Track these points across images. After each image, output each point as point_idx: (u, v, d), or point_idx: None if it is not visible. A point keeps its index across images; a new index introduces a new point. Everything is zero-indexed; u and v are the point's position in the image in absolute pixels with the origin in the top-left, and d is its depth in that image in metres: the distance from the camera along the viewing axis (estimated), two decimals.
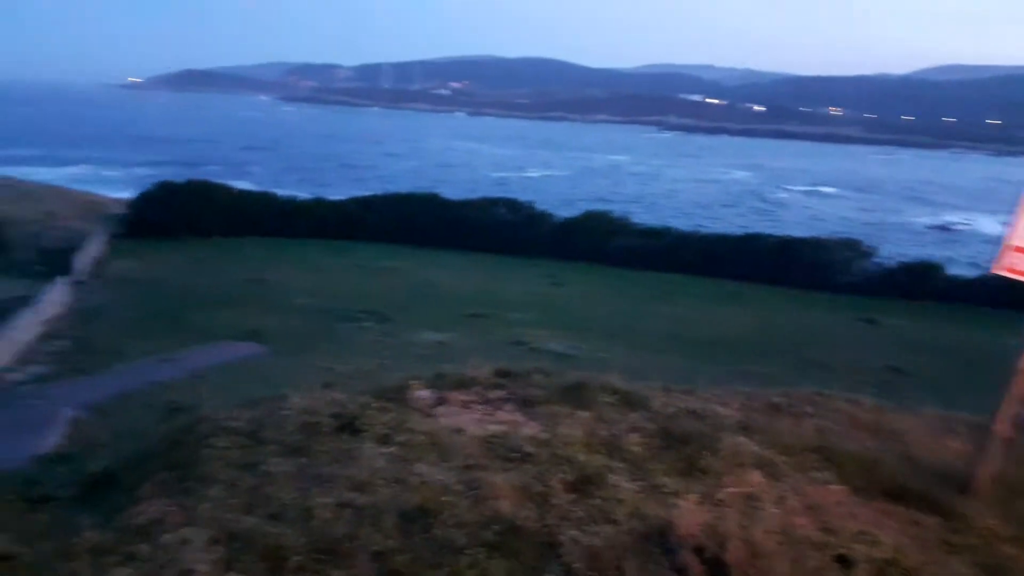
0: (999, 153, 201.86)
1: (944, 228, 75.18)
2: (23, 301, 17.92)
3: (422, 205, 39.90)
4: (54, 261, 25.89)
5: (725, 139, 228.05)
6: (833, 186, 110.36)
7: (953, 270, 37.15)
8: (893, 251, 48.14)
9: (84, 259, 26.47)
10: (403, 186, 51.32)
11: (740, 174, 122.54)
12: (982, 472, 5.73)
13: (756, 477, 5.39)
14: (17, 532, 5.36)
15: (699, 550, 4.44)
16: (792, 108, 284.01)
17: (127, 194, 41.23)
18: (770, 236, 38.27)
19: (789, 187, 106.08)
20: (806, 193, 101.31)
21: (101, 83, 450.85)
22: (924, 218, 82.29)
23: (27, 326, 16.47)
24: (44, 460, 8.59)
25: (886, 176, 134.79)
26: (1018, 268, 5.71)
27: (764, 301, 31.10)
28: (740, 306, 29.56)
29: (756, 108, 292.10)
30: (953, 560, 4.79)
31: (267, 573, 4.38)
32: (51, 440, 9.60)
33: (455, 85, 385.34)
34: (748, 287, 33.80)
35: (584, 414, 7.16)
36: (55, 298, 19.45)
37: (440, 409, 7.38)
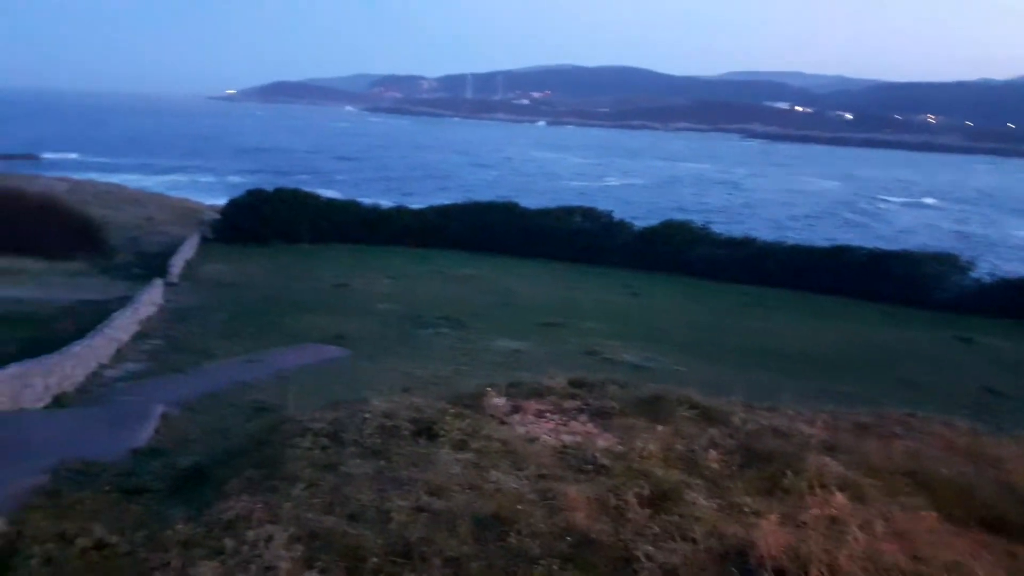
0: None
1: None
2: (122, 301, 18.93)
3: (500, 214, 40.26)
4: (152, 263, 27.31)
5: (813, 148, 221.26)
6: (932, 197, 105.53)
7: None
8: (996, 267, 45.73)
9: (178, 262, 27.76)
10: (484, 195, 51.93)
11: (830, 184, 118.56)
12: None
13: (841, 499, 5.18)
14: (113, 521, 5.64)
15: (780, 572, 4.29)
16: (886, 116, 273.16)
17: (221, 201, 43.08)
18: (860, 248, 36.87)
19: (886, 198, 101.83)
20: (904, 205, 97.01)
21: (199, 95, 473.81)
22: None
23: (125, 325, 17.37)
24: (139, 454, 9.00)
25: (991, 186, 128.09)
26: None
27: (852, 316, 29.98)
28: (827, 321, 28.59)
29: (846, 116, 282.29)
30: None
31: (345, 573, 4.47)
32: (145, 435, 10.05)
33: (536, 95, 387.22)
34: (836, 301, 32.66)
35: (661, 428, 7.05)
36: (151, 299, 20.47)
37: (515, 417, 7.39)
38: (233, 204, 38.54)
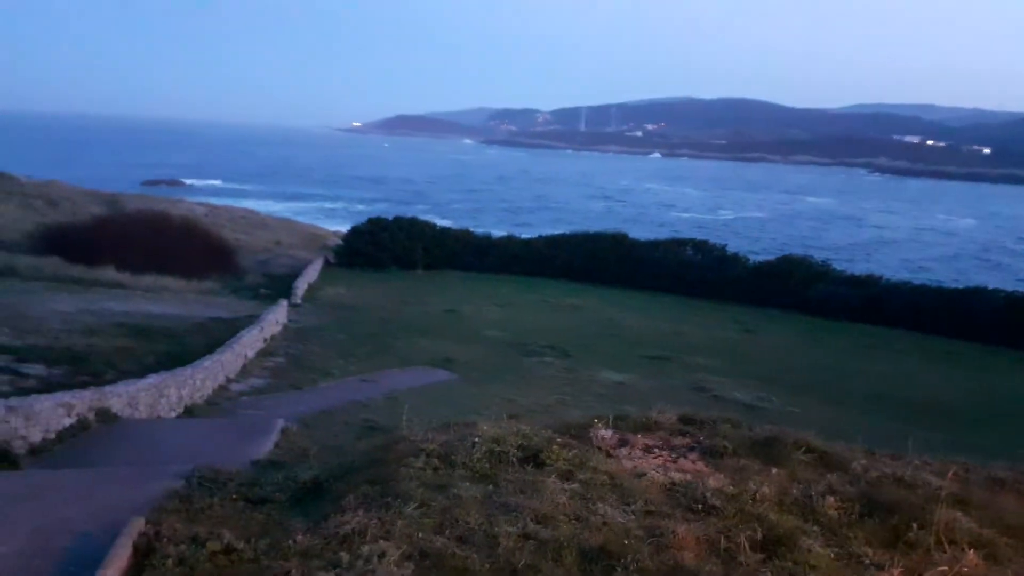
0: None
1: None
2: (249, 320, 20.07)
3: (609, 244, 40.16)
4: (278, 285, 28.83)
5: (946, 184, 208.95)
6: None
7: None
8: None
9: (302, 284, 29.18)
10: (594, 225, 51.92)
11: (965, 222, 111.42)
12: None
13: (973, 557, 4.85)
14: (240, 528, 5.97)
15: None
16: None
17: (344, 227, 45.10)
18: (998, 291, 34.36)
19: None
20: None
21: (328, 127, 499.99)
22: None
23: (251, 342, 18.39)
24: (260, 464, 9.46)
25: None
26: None
27: (984, 363, 27.95)
28: (958, 368, 26.78)
29: (984, 150, 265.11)
30: None
31: None
32: (266, 447, 10.55)
33: (650, 127, 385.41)
34: (966, 346, 30.55)
35: (776, 471, 6.82)
36: (275, 318, 21.60)
37: (622, 451, 7.33)
38: (354, 231, 40.27)
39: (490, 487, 6.11)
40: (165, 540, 5.49)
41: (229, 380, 16.26)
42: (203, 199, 59.90)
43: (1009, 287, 38.41)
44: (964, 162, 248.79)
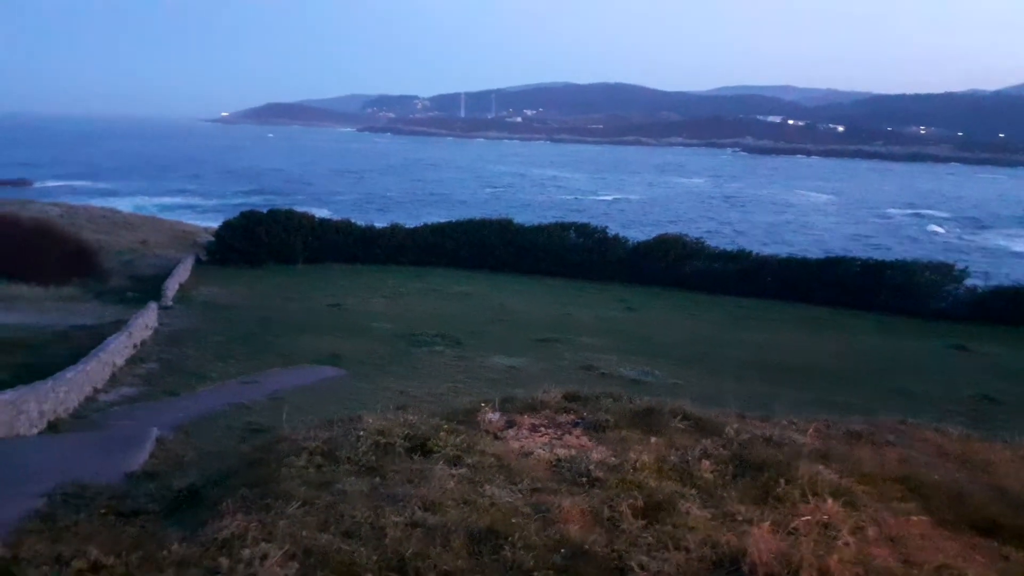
0: None
1: None
2: (116, 325, 18.92)
3: (495, 231, 40.36)
4: (146, 287, 27.30)
5: (804, 160, 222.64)
6: (930, 208, 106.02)
7: None
8: (990, 274, 45.92)
9: (172, 285, 27.76)
10: (478, 213, 52.04)
11: (822, 197, 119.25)
12: None
13: (833, 506, 5.20)
14: (109, 543, 5.63)
15: None
16: (877, 128, 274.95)
17: (216, 223, 43.16)
18: (855, 259, 37.05)
19: (886, 210, 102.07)
20: (908, 216, 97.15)
21: (193, 118, 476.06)
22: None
23: (119, 349, 17.36)
24: (134, 477, 8.98)
25: (986, 195, 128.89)
26: None
27: (848, 327, 30.08)
28: (823, 332, 28.68)
29: (838, 128, 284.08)
30: None
31: None
32: (140, 458, 10.04)
33: (529, 112, 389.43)
34: (830, 312, 32.77)
35: (655, 440, 7.07)
36: (145, 322, 20.46)
37: (509, 432, 7.40)
38: (227, 226, 38.61)
39: (376, 479, 6.04)
40: (24, 563, 5.11)
41: (97, 391, 15.30)
42: (56, 199, 55.79)
43: (865, 255, 41.49)
44: (821, 140, 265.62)
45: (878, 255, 42.95)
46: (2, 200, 47.19)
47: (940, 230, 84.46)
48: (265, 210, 40.06)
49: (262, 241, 36.92)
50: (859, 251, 48.35)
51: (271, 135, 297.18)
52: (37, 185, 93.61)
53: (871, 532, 4.96)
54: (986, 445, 7.32)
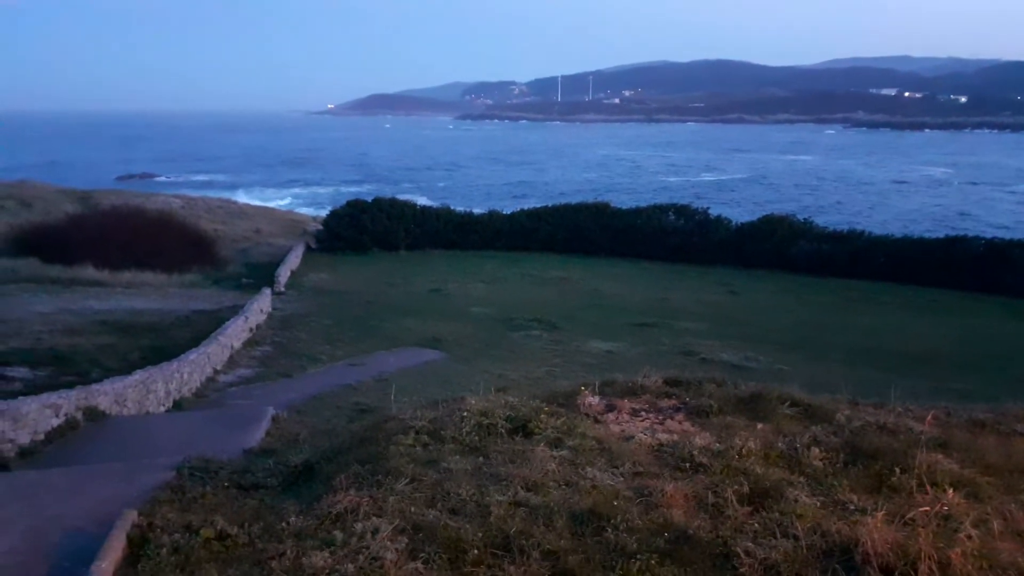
0: None
1: None
2: (233, 310, 19.98)
3: (591, 215, 40.11)
4: (260, 274, 28.66)
5: (925, 134, 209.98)
6: None
7: None
8: None
9: (284, 272, 29.02)
10: (576, 197, 51.78)
11: (939, 171, 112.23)
12: None
13: (954, 497, 4.95)
14: (232, 515, 6.00)
15: (887, 570, 4.16)
16: (1004, 96, 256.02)
17: (324, 212, 44.75)
18: (976, 239, 34.66)
19: (1010, 186, 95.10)
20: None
21: (301, 111, 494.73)
22: None
23: (237, 333, 18.32)
24: (252, 453, 9.49)
25: None
26: None
27: (967, 311, 28.30)
28: (941, 316, 27.11)
29: (960, 99, 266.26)
30: None
31: (447, 564, 4.63)
32: (257, 436, 10.57)
33: (627, 93, 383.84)
34: (948, 295, 30.89)
35: (761, 426, 6.91)
36: (260, 307, 21.50)
37: (610, 416, 7.41)
38: (334, 215, 39.98)
39: (480, 459, 6.18)
40: (159, 530, 5.53)
41: (216, 372, 16.21)
42: (178, 191, 59.25)
43: (988, 234, 38.82)
44: (941, 112, 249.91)
45: (1001, 234, 40.15)
46: (131, 192, 50.52)
47: None
48: (370, 199, 41.21)
49: (367, 228, 38.08)
50: (976, 229, 45.21)
51: (388, 125, 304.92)
52: (161, 179, 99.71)
53: (996, 525, 4.70)
54: None
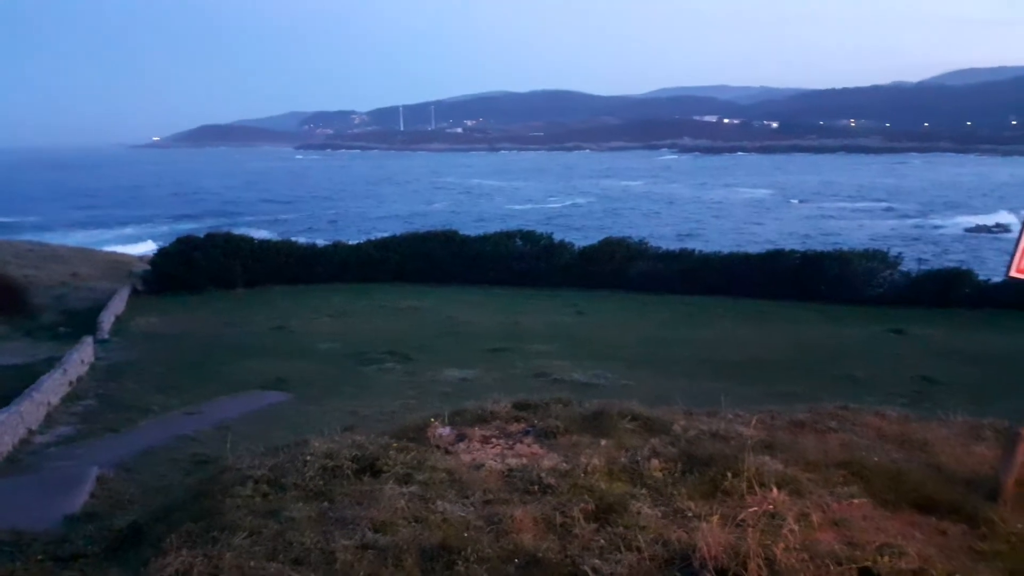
0: (1021, 154, 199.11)
1: (985, 230, 74.32)
2: (50, 363, 18.24)
3: (439, 243, 40.17)
4: (80, 321, 26.37)
5: (741, 157, 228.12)
6: (862, 197, 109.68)
7: (994, 274, 36.47)
8: (932, 258, 47.67)
9: (108, 317, 26.90)
10: (423, 225, 51.82)
11: (761, 192, 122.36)
12: (1009, 477, 5.59)
13: (778, 495, 5.30)
14: None
15: (721, 572, 4.36)
16: (809, 122, 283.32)
17: (152, 251, 42.02)
18: (793, 252, 37.94)
19: (819, 203, 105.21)
20: (844, 208, 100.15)
21: (123, 144, 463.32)
22: (962, 220, 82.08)
23: (54, 387, 16.71)
24: (73, 519, 8.66)
25: (916, 183, 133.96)
26: None
27: (791, 318, 30.77)
28: (766, 325, 29.27)
29: (772, 124, 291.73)
30: (981, 567, 4.66)
31: None
32: (79, 499, 9.69)
33: (469, 123, 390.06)
34: (773, 305, 33.48)
35: (605, 442, 7.11)
36: (80, 358, 19.76)
37: (460, 446, 7.36)
38: (163, 253, 37.57)
39: (325, 504, 5.94)
40: None
41: (32, 432, 14.68)
42: None
43: (803, 247, 42.60)
44: (757, 137, 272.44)
45: (820, 246, 44.25)
46: None
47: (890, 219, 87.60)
48: (202, 235, 39.13)
49: (200, 266, 36.03)
50: (798, 244, 49.59)
51: (182, 156, 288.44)
52: None
53: (816, 518, 5.08)
54: (923, 425, 7.56)
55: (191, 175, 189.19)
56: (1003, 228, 72.79)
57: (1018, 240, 5.63)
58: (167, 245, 38.42)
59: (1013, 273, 5.67)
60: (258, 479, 6.50)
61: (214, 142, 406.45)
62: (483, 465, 6.75)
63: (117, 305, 29.75)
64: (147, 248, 50.48)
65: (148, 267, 37.85)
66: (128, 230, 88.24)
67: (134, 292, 34.28)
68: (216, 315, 30.16)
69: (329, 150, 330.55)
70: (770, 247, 42.29)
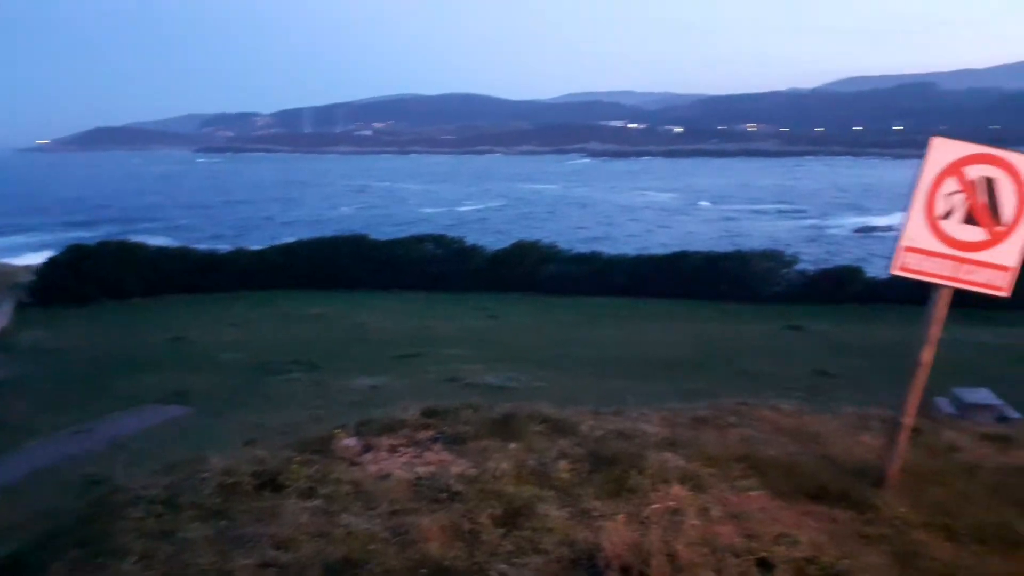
0: (904, 157, 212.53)
1: (871, 230, 78.91)
2: None
3: (348, 247, 39.51)
4: None
5: (647, 161, 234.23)
6: (761, 200, 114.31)
7: (881, 271, 38.61)
8: (827, 257, 50.08)
9: None
10: (332, 230, 50.81)
11: (667, 196, 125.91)
12: (893, 464, 5.91)
13: (680, 491, 5.42)
14: None
15: (625, 570, 4.42)
16: (711, 127, 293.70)
17: (37, 260, 39.66)
18: (695, 253, 39.19)
19: (721, 205, 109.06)
20: (743, 210, 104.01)
21: (6, 148, 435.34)
22: (852, 220, 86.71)
23: None
24: None
25: (811, 186, 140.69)
26: (912, 267, 5.94)
27: (694, 317, 31.73)
28: (671, 324, 30.07)
29: (676, 129, 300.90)
30: (869, 551, 4.90)
31: None
32: None
33: (379, 125, 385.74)
34: (678, 304, 34.46)
35: (513, 446, 7.10)
36: None
37: (367, 456, 7.20)
38: (51, 263, 35.51)
39: (223, 523, 5.70)
40: None
41: None
42: None
43: (707, 248, 44.06)
44: (662, 141, 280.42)
45: (727, 247, 45.87)
46: None
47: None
48: (94, 243, 37.19)
49: (91, 276, 34.22)
50: (704, 245, 51.21)
51: (72, 161, 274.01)
52: None
53: (715, 512, 5.21)
54: (815, 417, 7.90)
55: (84, 180, 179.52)
56: (890, 228, 77.44)
57: (899, 239, 5.94)
58: (57, 255, 36.34)
59: (895, 271, 5.98)
60: (152, 499, 6.19)
61: (107, 145, 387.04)
62: (390, 475, 6.62)
63: (0, 319, 27.97)
64: (38, 258, 47.46)
65: (34, 277, 35.69)
66: (17, 239, 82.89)
67: (20, 305, 32.25)
68: (109, 327, 28.71)
69: (231, 153, 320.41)
70: (677, 249, 43.55)
